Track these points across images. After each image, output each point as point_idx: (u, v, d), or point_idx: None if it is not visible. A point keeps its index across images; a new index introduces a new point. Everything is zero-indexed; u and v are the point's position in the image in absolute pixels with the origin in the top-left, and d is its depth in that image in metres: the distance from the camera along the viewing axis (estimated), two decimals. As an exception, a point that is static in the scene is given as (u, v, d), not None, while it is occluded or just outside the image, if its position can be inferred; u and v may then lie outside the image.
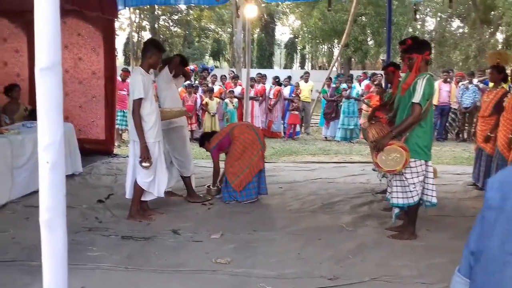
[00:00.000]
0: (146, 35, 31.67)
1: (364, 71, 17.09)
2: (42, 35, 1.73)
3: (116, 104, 8.37)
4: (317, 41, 28.54)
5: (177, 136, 5.26)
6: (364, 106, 10.33)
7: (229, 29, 34.37)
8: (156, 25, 32.05)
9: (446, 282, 3.23)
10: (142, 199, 4.61)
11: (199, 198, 5.38)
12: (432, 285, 3.20)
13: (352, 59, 28.63)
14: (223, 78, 12.76)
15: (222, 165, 5.49)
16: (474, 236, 1.37)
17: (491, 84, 6.32)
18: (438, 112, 11.08)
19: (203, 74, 12.20)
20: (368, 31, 25.33)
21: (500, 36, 26.46)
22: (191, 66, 6.55)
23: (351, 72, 22.59)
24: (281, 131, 11.71)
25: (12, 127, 5.74)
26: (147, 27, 32.72)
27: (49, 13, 1.73)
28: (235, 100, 11.00)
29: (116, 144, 8.82)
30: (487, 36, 24.63)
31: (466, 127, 11.42)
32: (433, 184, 4.10)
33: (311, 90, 12.61)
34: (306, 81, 12.35)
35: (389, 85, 5.86)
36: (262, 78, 11.98)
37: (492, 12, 25.04)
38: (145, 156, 4.27)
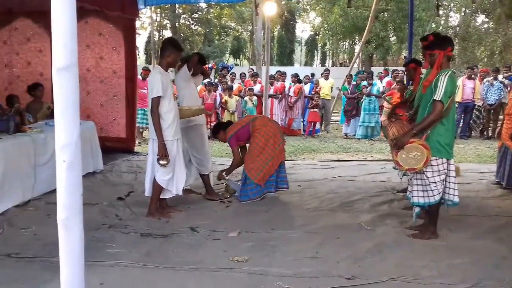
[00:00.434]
0: (167, 34, 31.97)
1: (386, 67, 16.88)
2: (59, 35, 1.74)
3: (136, 103, 8.46)
4: (338, 38, 28.37)
5: (195, 134, 5.28)
6: (385, 104, 10.19)
7: (249, 27, 34.43)
8: (176, 24, 32.30)
9: (467, 282, 3.17)
10: (161, 196, 4.65)
11: (218, 196, 5.39)
12: (452, 286, 3.12)
13: (374, 55, 28.33)
14: (242, 76, 12.77)
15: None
16: None
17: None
18: (461, 109, 10.88)
19: (222, 72, 12.22)
20: (390, 27, 25.05)
21: (526, 31, 25.75)
22: (209, 64, 6.55)
23: (373, 69, 22.36)
24: (300, 129, 11.66)
25: (35, 126, 5.85)
26: (168, 25, 33.03)
27: (65, 13, 1.74)
28: (255, 98, 10.99)
29: (136, 142, 8.92)
30: (512, 31, 24.02)
31: (490, 125, 11.16)
32: (455, 183, 4.01)
33: (331, 88, 12.53)
34: (326, 78, 12.28)
35: (410, 82, 5.77)
36: (282, 75, 11.94)
37: (518, 7, 24.40)
38: (163, 154, 4.30)
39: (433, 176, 3.92)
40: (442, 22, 28.22)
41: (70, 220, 1.81)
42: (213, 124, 10.28)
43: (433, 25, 24.79)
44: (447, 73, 3.80)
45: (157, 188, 4.55)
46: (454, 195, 4.00)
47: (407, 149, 3.84)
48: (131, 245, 3.84)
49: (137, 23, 9.98)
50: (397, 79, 10.47)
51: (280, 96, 11.36)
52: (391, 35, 26.11)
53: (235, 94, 10.81)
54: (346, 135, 11.43)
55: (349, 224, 4.48)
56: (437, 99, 3.76)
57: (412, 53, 8.46)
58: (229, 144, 5.43)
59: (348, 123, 11.45)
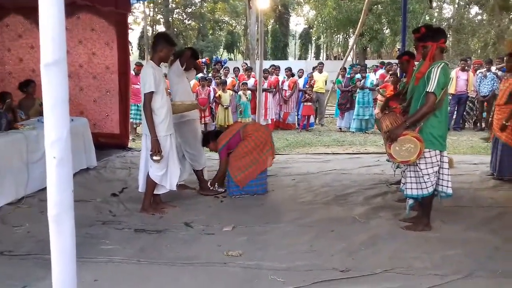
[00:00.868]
0: (161, 29, 31.79)
1: (382, 61, 16.90)
2: (47, 29, 1.72)
3: (130, 98, 8.42)
4: (332, 31, 28.32)
5: (188, 129, 5.26)
6: (379, 96, 10.20)
7: (243, 21, 34.28)
8: (170, 19, 32.14)
9: (460, 274, 3.19)
10: (155, 192, 4.64)
11: (212, 191, 5.38)
12: (445, 277, 3.14)
13: (368, 48, 28.32)
14: (236, 70, 12.73)
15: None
16: None
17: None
18: (455, 101, 10.91)
19: (216, 67, 12.18)
20: (384, 19, 25.03)
21: (519, 23, 25.83)
22: (203, 59, 6.52)
23: (367, 61, 22.36)
24: (295, 123, 11.66)
25: (28, 123, 5.81)
26: (161, 20, 32.84)
27: (53, 6, 1.72)
28: (248, 92, 10.95)
29: (130, 138, 8.89)
30: (506, 23, 24.07)
31: (484, 116, 11.20)
32: (448, 175, 4.03)
33: (326, 81, 12.51)
34: (320, 71, 12.26)
35: (404, 74, 5.77)
36: (276, 69, 11.92)
37: (512, -2, 24.45)
38: (156, 149, 4.28)
39: (426, 168, 3.93)
40: (436, 14, 28.23)
41: (61, 217, 1.80)
42: (207, 119, 10.28)
43: (427, 17, 24.79)
44: (440, 65, 3.80)
45: (151, 184, 4.53)
46: (447, 186, 4.02)
47: (401, 141, 3.84)
48: (125, 241, 3.84)
49: (130, 18, 9.90)
50: (390, 72, 10.47)
51: (274, 90, 11.34)
52: (385, 28, 26.09)
53: (228, 89, 10.76)
54: (340, 128, 11.44)
55: (343, 217, 4.49)
56: (430, 91, 3.76)
57: (406, 45, 8.45)
58: (219, 155, 5.35)
59: (342, 116, 11.45)
